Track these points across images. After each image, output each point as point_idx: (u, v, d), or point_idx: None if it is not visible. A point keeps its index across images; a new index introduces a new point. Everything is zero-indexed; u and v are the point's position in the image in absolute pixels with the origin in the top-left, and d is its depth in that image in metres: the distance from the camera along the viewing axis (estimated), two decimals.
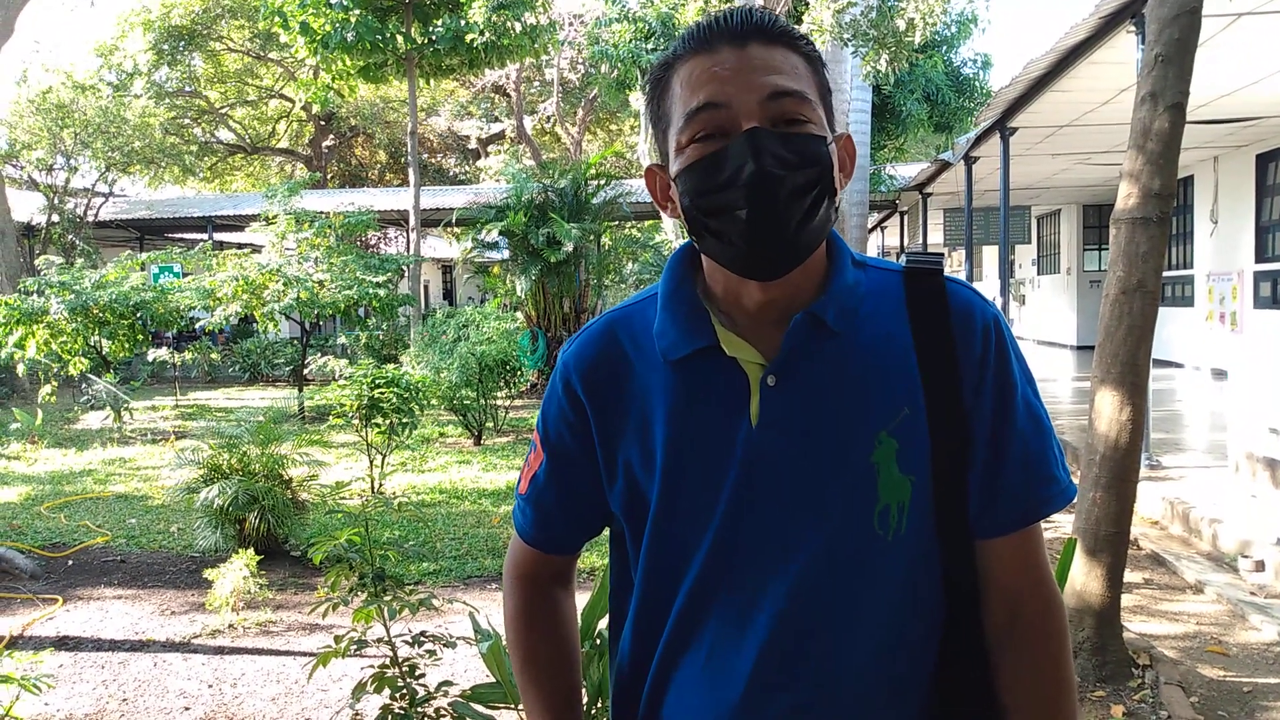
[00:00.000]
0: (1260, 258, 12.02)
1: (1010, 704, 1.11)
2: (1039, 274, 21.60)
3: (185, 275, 14.60)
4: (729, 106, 1.01)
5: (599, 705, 2.46)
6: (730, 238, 1.02)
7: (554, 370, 1.20)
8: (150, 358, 14.16)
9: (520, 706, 2.61)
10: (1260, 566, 5.24)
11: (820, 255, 1.10)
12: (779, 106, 1.01)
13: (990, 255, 24.09)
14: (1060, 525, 6.15)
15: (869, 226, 20.36)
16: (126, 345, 12.58)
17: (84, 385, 12.28)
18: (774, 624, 1.05)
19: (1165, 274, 4.12)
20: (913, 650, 1.08)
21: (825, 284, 1.09)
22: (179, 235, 25.66)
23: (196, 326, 13.34)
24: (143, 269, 14.21)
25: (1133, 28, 6.73)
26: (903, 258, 1.16)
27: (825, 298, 1.07)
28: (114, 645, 4.66)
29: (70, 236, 20.32)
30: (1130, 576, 5.05)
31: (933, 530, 1.07)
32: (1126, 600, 4.60)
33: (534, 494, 1.22)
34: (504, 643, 2.60)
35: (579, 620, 1.33)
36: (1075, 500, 4.14)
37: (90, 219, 21.87)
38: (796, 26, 1.12)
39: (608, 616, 1.27)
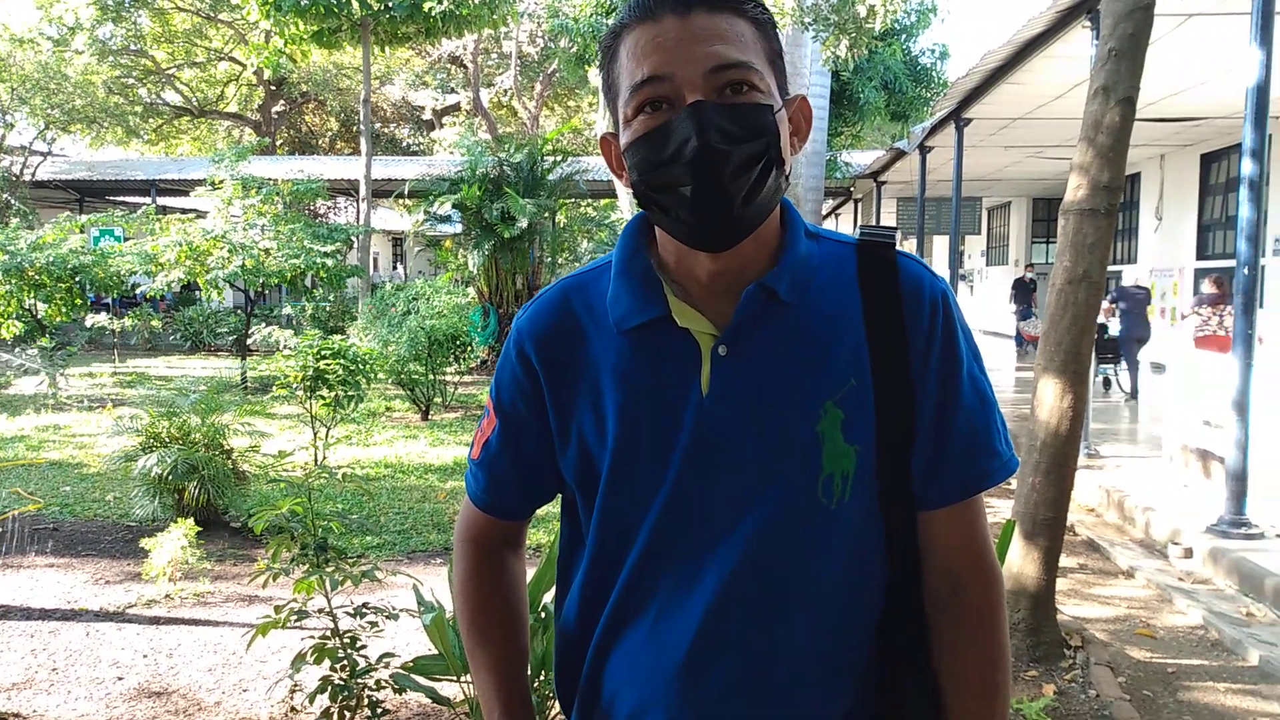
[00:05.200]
0: (1201, 255, 12.36)
1: (945, 676, 1.13)
2: (987, 265, 21.97)
3: (127, 239, 14.21)
4: (673, 79, 1.00)
5: (542, 677, 2.45)
6: (677, 213, 1.02)
7: (508, 337, 1.20)
8: (88, 323, 13.76)
9: (462, 678, 2.59)
10: (1189, 554, 5.40)
11: (774, 226, 1.10)
12: (723, 78, 0.99)
13: (941, 245, 24.43)
14: (999, 510, 6.27)
15: (823, 212, 20.49)
16: (63, 309, 12.22)
17: (17, 350, 11.92)
18: (720, 589, 1.06)
19: (1110, 268, 4.21)
20: (854, 622, 1.10)
21: (778, 255, 1.09)
22: (121, 198, 24.96)
23: (137, 292, 12.99)
24: (82, 231, 13.78)
25: (1088, 23, 6.84)
26: (856, 231, 1.16)
27: (778, 269, 1.08)
28: (44, 614, 4.54)
29: (5, 196, 19.66)
30: (1066, 561, 5.18)
31: (876, 500, 1.08)
32: (1061, 584, 4.71)
33: (486, 459, 1.22)
34: (448, 615, 2.59)
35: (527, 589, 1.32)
36: (1016, 482, 4.22)
37: (27, 178, 21.17)
38: None
39: (554, 589, 1.27)
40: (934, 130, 11.83)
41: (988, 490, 1.13)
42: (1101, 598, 5.00)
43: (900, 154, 14.56)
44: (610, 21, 15.22)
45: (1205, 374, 6.70)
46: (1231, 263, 6.56)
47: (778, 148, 1.02)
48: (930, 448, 1.09)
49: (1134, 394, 10.93)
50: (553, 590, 1.27)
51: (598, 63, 1.13)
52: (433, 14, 15.85)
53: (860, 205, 22.28)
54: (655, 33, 1.01)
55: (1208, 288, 9.54)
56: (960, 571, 1.13)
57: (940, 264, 24.45)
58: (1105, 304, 9.64)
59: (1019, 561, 4.08)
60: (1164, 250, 13.33)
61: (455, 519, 1.29)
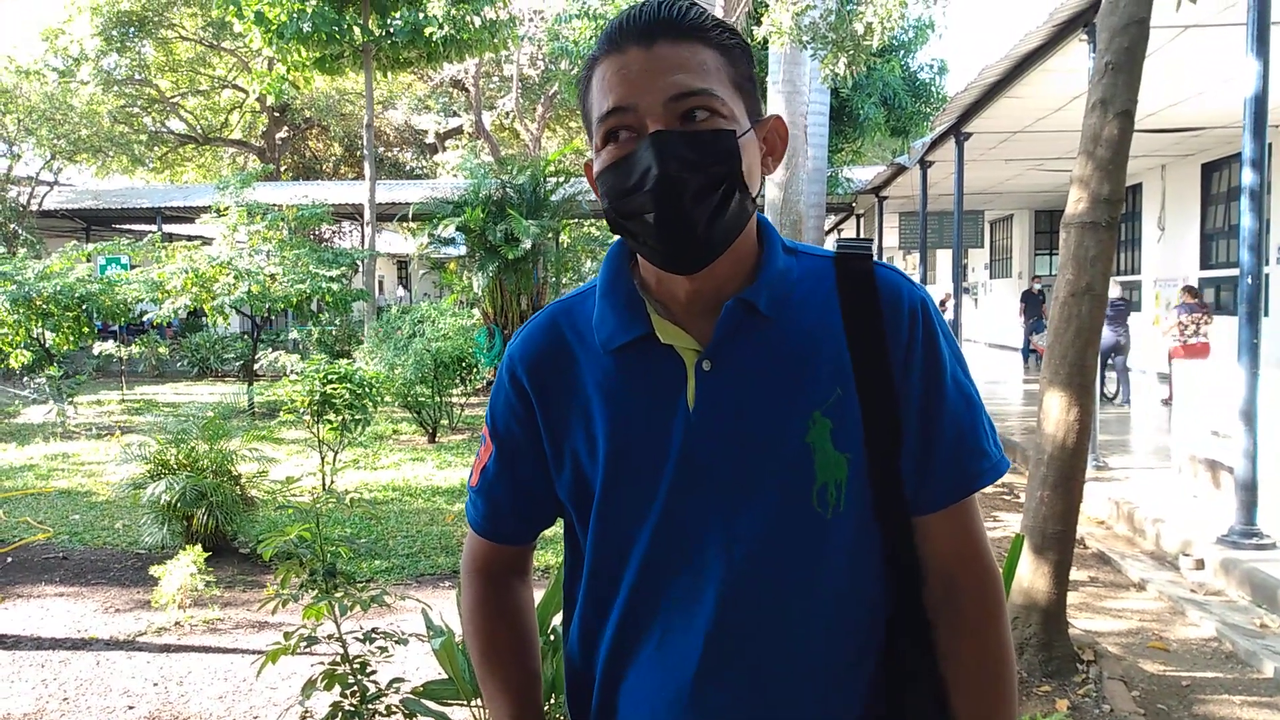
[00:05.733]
0: (1204, 264, 12.35)
1: (949, 678, 1.14)
2: (991, 278, 21.96)
3: (133, 267, 14.28)
4: (636, 109, 1.03)
5: (553, 700, 2.45)
6: (646, 239, 1.05)
7: (500, 363, 1.23)
8: (96, 351, 13.83)
9: (473, 703, 2.59)
10: (1200, 565, 5.37)
11: (750, 243, 1.12)
12: (683, 105, 1.02)
13: (944, 259, 24.45)
14: (1008, 524, 6.25)
15: (825, 228, 20.54)
16: (71, 338, 12.27)
17: (25, 379, 11.97)
18: (721, 604, 1.07)
19: (1114, 279, 4.21)
20: (857, 629, 1.11)
21: (756, 271, 1.12)
22: (127, 226, 25.08)
23: (144, 320, 13.04)
24: (89, 260, 13.86)
25: (1085, 36, 6.87)
26: (833, 244, 1.19)
27: (756, 284, 1.10)
28: (55, 644, 4.54)
29: (13, 226, 19.79)
30: (1076, 575, 5.15)
31: (871, 508, 1.10)
32: (1072, 598, 4.69)
33: (485, 486, 1.24)
34: (457, 639, 2.58)
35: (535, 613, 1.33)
36: (1024, 496, 4.21)
37: (34, 208, 21.31)
38: (721, 19, 1.11)
39: (562, 611, 1.27)
40: (934, 145, 11.86)
41: (981, 492, 1.14)
42: (1113, 611, 4.97)
43: (901, 169, 14.59)
44: None
45: (1207, 383, 6.68)
46: (1235, 272, 6.55)
47: (739, 171, 1.04)
48: (919, 452, 1.11)
49: (1119, 395, 11.25)
50: (561, 613, 1.28)
51: (577, 93, 1.17)
52: (434, 39, 15.98)
53: (862, 220, 22.30)
54: (621, 64, 1.04)
55: (1181, 298, 9.72)
56: (957, 574, 1.14)
57: (944, 278, 24.46)
58: None
59: (1029, 576, 4.07)
60: (1167, 260, 13.33)
61: (463, 541, 1.30)
